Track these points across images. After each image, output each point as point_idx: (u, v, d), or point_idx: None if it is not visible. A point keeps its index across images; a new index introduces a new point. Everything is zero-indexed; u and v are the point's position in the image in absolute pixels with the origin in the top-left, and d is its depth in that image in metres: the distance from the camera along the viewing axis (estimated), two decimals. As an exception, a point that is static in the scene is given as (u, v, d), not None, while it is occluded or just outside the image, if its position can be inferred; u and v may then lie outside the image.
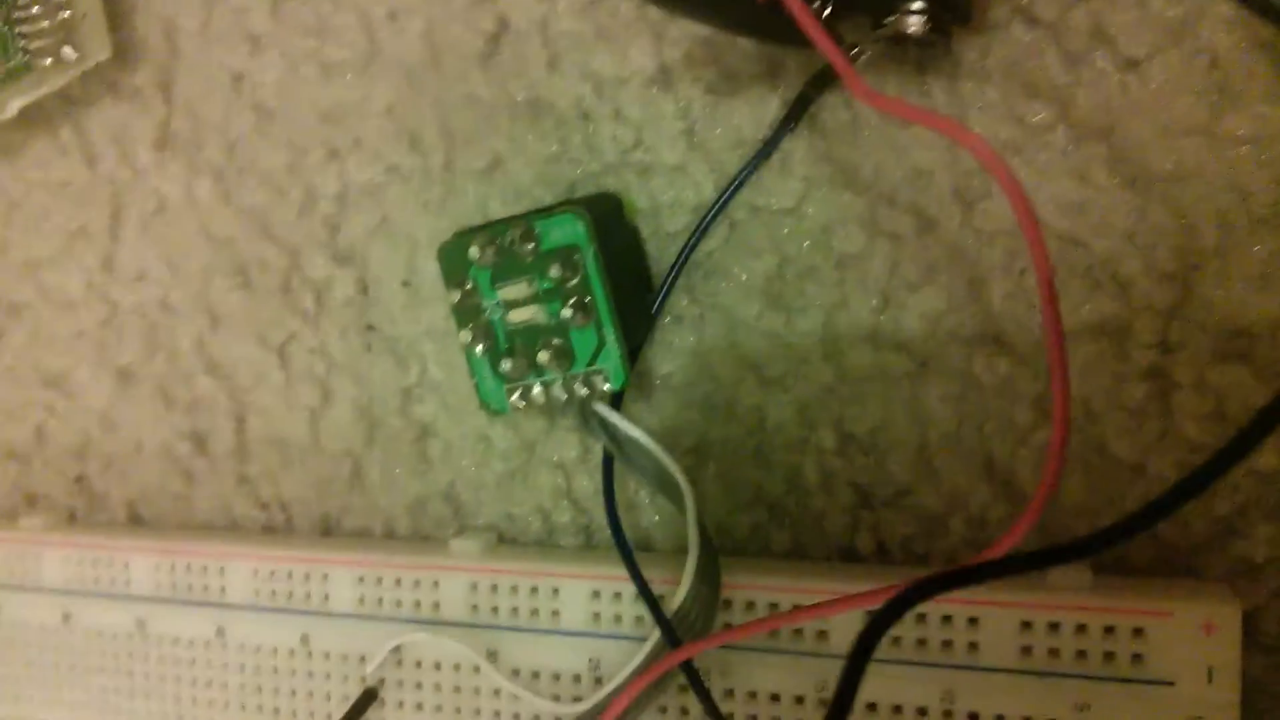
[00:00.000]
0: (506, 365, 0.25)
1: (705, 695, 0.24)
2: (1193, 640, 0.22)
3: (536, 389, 0.25)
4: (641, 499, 0.28)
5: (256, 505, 0.31)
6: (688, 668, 0.24)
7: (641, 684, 0.23)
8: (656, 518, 0.28)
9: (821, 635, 0.24)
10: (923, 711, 0.24)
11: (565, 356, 0.24)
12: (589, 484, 0.28)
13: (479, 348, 0.25)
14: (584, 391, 0.24)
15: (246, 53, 0.30)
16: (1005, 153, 0.24)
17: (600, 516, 0.28)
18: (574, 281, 0.24)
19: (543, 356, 0.24)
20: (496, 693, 0.27)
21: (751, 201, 0.26)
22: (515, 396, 0.25)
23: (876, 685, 0.24)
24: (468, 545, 0.28)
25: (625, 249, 0.26)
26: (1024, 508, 0.19)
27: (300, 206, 0.30)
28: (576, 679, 0.26)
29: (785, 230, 0.26)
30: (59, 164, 0.33)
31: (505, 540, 0.29)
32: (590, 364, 0.24)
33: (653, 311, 0.27)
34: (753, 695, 0.25)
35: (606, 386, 0.24)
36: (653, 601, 0.24)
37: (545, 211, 0.25)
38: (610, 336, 0.24)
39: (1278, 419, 0.16)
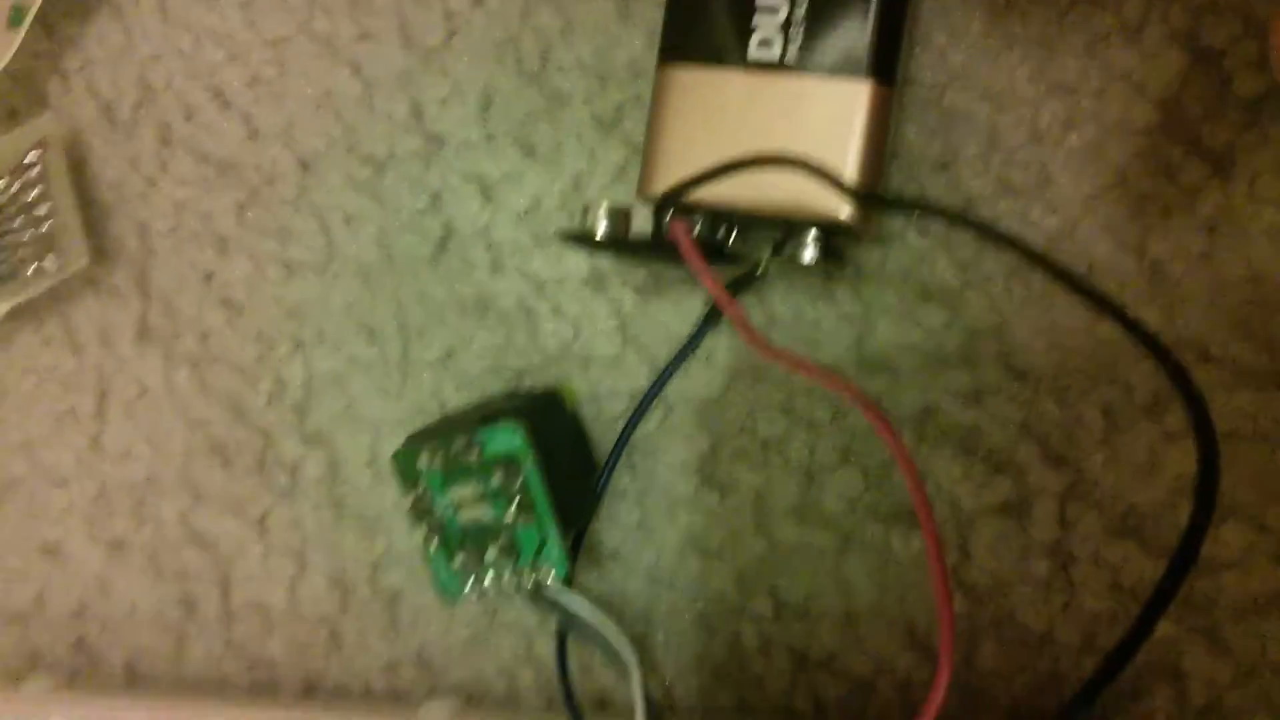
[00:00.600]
0: (459, 560, 0.27)
1: None
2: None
3: (489, 579, 0.27)
4: (597, 660, 0.30)
5: (244, 665, 0.34)
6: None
7: None
8: (613, 678, 0.30)
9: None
10: None
11: (511, 552, 0.27)
12: (548, 647, 0.30)
13: (433, 544, 0.27)
14: (531, 581, 0.26)
15: (215, 254, 0.33)
16: (903, 350, 0.26)
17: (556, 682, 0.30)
18: (515, 485, 0.26)
19: (490, 554, 0.27)
20: None
21: (681, 390, 0.28)
22: (468, 587, 0.27)
23: None
24: (435, 711, 0.29)
25: (567, 437, 0.29)
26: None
27: (270, 394, 0.32)
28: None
29: (713, 415, 0.28)
30: (46, 353, 0.35)
31: (474, 699, 0.31)
32: (535, 557, 0.26)
33: (597, 490, 0.29)
34: None
35: (551, 578, 0.26)
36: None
37: (490, 419, 0.27)
38: (551, 534, 0.26)
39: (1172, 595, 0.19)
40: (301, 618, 0.33)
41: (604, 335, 0.29)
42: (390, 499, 0.31)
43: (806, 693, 0.28)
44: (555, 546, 0.26)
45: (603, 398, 0.29)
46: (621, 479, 0.29)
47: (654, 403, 0.28)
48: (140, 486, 0.34)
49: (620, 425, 0.29)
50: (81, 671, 0.35)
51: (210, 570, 0.34)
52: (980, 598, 0.26)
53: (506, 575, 0.27)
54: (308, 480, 0.32)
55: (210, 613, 0.34)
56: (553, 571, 0.26)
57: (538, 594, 0.27)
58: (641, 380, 0.29)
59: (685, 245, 0.23)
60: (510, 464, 0.26)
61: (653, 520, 0.29)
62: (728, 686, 0.29)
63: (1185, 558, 0.19)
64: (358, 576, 0.32)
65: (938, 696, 0.21)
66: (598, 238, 0.25)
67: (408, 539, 0.31)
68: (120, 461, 0.35)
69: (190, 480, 0.34)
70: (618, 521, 0.29)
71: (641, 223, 0.26)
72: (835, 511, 0.27)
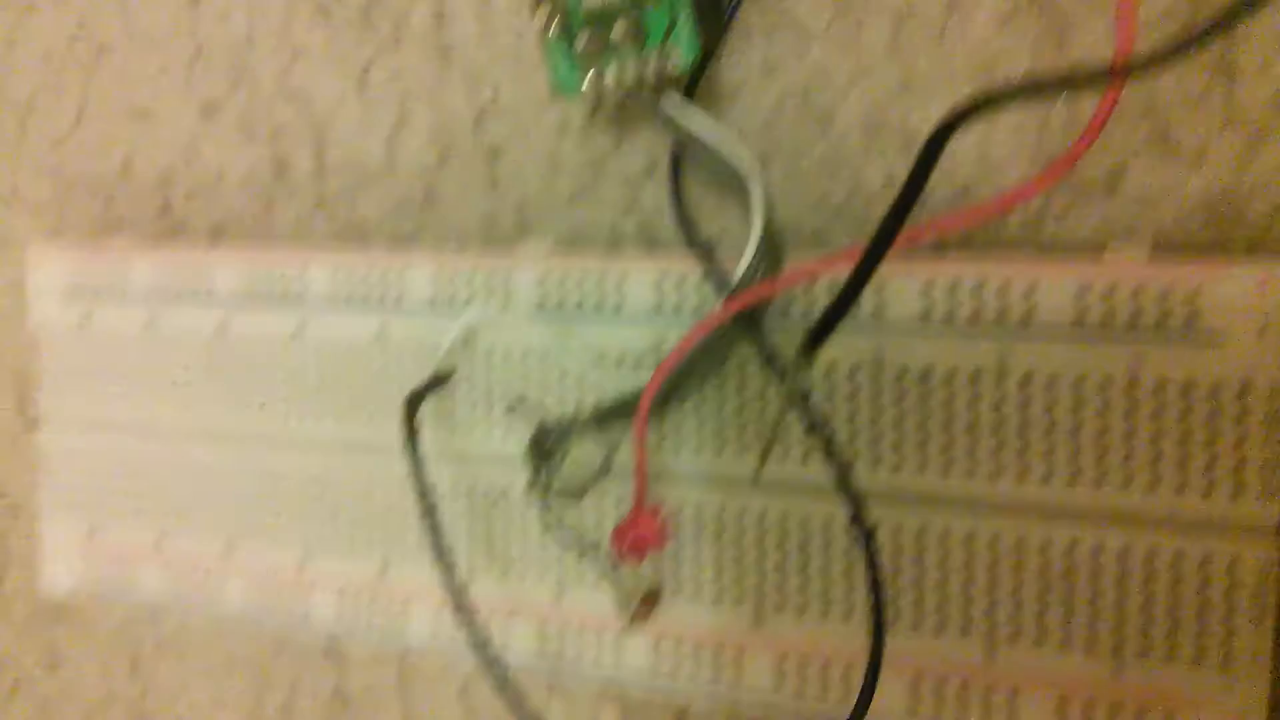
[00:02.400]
0: (580, 42, 0.25)
1: (762, 343, 0.25)
2: (1247, 297, 0.23)
3: (610, 70, 0.25)
4: (707, 206, 0.28)
5: (334, 227, 0.32)
6: (743, 317, 0.24)
7: (698, 335, 0.24)
8: (722, 227, 0.28)
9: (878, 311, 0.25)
10: (976, 376, 0.24)
11: (638, 34, 0.25)
12: (655, 197, 0.29)
13: (554, 27, 0.25)
14: (655, 69, 0.25)
15: None
16: None
17: (666, 229, 0.29)
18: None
19: (616, 33, 0.25)
20: (562, 377, 0.28)
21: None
22: (587, 82, 0.26)
23: (932, 350, 0.25)
24: (537, 245, 0.28)
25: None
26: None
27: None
28: (639, 362, 0.27)
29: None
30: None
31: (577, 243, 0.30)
32: (663, 40, 0.25)
33: (725, 17, 0.27)
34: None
35: (677, 63, 0.25)
36: (711, 264, 0.26)
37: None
38: (683, 12, 0.25)
39: None
40: (397, 174, 0.32)
41: None
42: (499, 46, 0.30)
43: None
44: (686, 25, 0.25)
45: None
46: (749, 13, 0.27)
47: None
48: (238, 46, 0.33)
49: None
50: (166, 235, 0.34)
51: (305, 129, 0.33)
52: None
53: (631, 64, 0.25)
54: (413, 29, 0.31)
55: (302, 172, 0.33)
56: (680, 54, 0.25)
57: (656, 106, 0.25)
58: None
59: None
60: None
61: (778, 55, 0.27)
62: (848, 229, 0.27)
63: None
64: (459, 130, 0.31)
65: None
66: None
67: (514, 87, 0.30)
68: (218, 21, 0.33)
69: (290, 38, 0.32)
70: (741, 58, 0.27)
71: None
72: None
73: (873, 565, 0.23)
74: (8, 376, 0.38)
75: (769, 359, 0.25)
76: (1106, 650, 0.24)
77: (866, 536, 0.24)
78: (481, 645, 0.27)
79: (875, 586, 0.23)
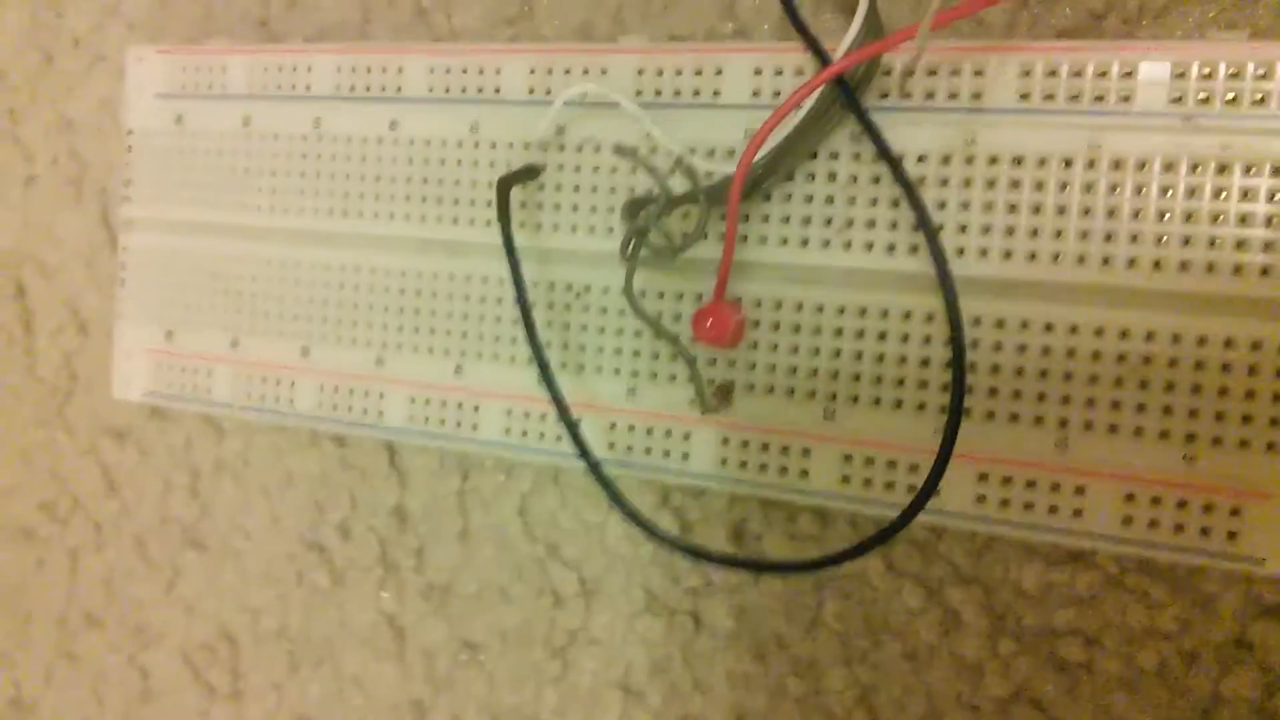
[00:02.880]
0: None
1: (861, 114, 0.25)
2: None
3: None
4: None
5: (430, 38, 0.33)
6: (842, 85, 0.25)
7: (799, 97, 0.25)
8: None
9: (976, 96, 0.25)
10: (1068, 162, 0.24)
11: None
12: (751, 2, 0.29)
13: None
14: None
15: None
16: None
17: (761, 35, 0.30)
18: None
19: None
20: (651, 171, 0.28)
21: None
22: None
23: (1024, 136, 0.25)
24: (636, 37, 0.29)
25: None
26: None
27: None
28: (731, 152, 0.27)
29: None
30: None
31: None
32: None
33: None
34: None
35: None
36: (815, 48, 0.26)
37: None
38: None
39: None
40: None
41: None
42: None
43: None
44: None
45: None
46: None
47: None
48: None
49: None
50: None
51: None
52: None
53: None
54: None
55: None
56: None
57: None
58: None
59: None
60: None
61: None
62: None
63: None
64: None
65: None
66: None
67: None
68: None
69: None
70: None
71: None
72: None
73: (959, 352, 0.24)
74: (95, 191, 0.39)
75: (868, 128, 0.25)
76: (1179, 439, 0.24)
77: (956, 326, 0.24)
78: (573, 429, 0.27)
79: (959, 373, 0.24)
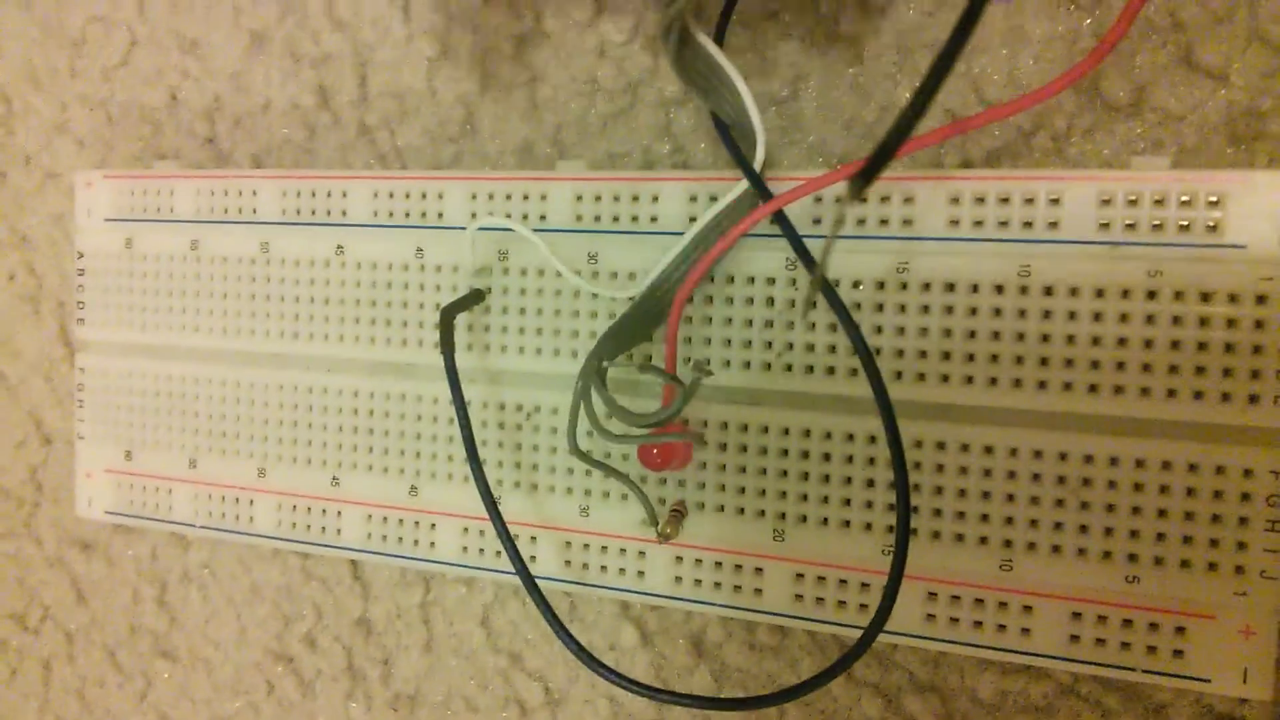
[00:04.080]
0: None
1: (791, 231, 0.26)
2: (1268, 204, 0.23)
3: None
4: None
5: (375, 155, 0.33)
6: (781, 217, 0.25)
7: (736, 234, 0.25)
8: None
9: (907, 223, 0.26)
10: (1000, 288, 0.25)
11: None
12: (689, 120, 0.29)
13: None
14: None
15: None
16: None
17: (697, 153, 0.30)
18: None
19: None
20: (595, 296, 0.29)
21: None
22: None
23: (954, 264, 0.25)
24: (574, 162, 0.29)
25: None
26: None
27: None
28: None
29: None
30: None
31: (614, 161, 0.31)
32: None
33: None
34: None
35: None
36: (738, 155, 0.26)
37: None
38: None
39: None
40: (438, 101, 0.32)
41: None
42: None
43: (956, 154, 0.27)
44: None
45: None
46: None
47: None
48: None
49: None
50: (209, 165, 0.35)
51: (349, 55, 0.33)
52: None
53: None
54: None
55: (345, 100, 0.33)
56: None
57: (684, 35, 0.26)
58: None
59: None
60: None
61: None
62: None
63: None
64: (500, 55, 0.31)
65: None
66: None
67: (555, 17, 0.30)
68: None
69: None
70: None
71: None
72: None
73: (901, 472, 0.24)
74: (52, 306, 0.39)
75: (802, 256, 0.26)
76: (1121, 559, 0.24)
77: (896, 444, 0.24)
78: (513, 551, 0.27)
79: (903, 493, 0.24)
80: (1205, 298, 0.23)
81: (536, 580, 0.27)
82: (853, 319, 0.25)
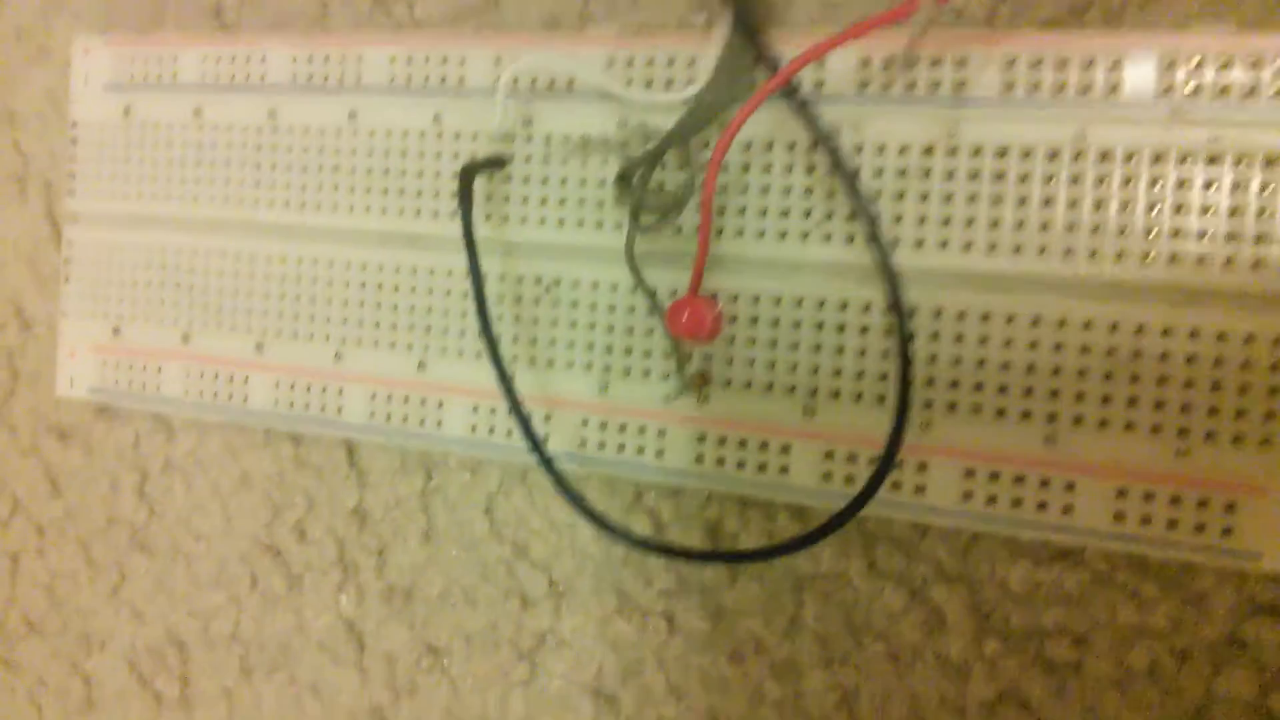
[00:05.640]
0: None
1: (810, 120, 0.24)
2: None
3: None
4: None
5: (391, 28, 0.32)
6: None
7: (762, 94, 0.24)
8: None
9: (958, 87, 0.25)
10: (1054, 154, 0.24)
11: None
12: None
13: None
14: None
15: None
16: None
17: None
18: None
19: None
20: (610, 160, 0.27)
21: None
22: None
23: (1010, 129, 0.25)
24: (602, 26, 0.28)
25: None
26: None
27: None
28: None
29: None
30: None
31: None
32: None
33: None
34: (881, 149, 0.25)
35: None
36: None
37: None
38: None
39: None
40: (459, -30, 0.31)
41: None
42: None
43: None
44: None
45: None
46: None
47: None
48: None
49: None
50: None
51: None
52: None
53: None
54: None
55: (360, -30, 0.32)
56: None
57: None
58: None
59: None
60: None
61: None
62: None
63: None
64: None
65: None
66: None
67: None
68: None
69: None
70: None
71: None
72: None
73: (904, 340, 0.23)
74: (39, 187, 0.37)
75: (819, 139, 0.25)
76: (1171, 434, 0.23)
77: (901, 317, 0.23)
78: (526, 428, 0.26)
79: (905, 364, 0.24)
80: (1270, 163, 0.22)
81: (540, 452, 0.26)
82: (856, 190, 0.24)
